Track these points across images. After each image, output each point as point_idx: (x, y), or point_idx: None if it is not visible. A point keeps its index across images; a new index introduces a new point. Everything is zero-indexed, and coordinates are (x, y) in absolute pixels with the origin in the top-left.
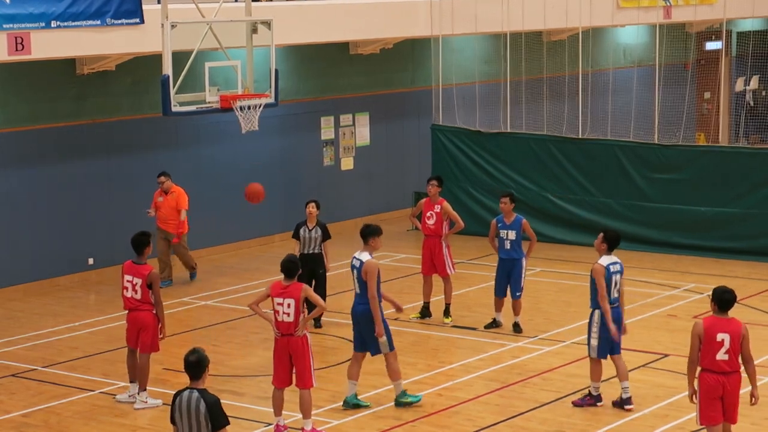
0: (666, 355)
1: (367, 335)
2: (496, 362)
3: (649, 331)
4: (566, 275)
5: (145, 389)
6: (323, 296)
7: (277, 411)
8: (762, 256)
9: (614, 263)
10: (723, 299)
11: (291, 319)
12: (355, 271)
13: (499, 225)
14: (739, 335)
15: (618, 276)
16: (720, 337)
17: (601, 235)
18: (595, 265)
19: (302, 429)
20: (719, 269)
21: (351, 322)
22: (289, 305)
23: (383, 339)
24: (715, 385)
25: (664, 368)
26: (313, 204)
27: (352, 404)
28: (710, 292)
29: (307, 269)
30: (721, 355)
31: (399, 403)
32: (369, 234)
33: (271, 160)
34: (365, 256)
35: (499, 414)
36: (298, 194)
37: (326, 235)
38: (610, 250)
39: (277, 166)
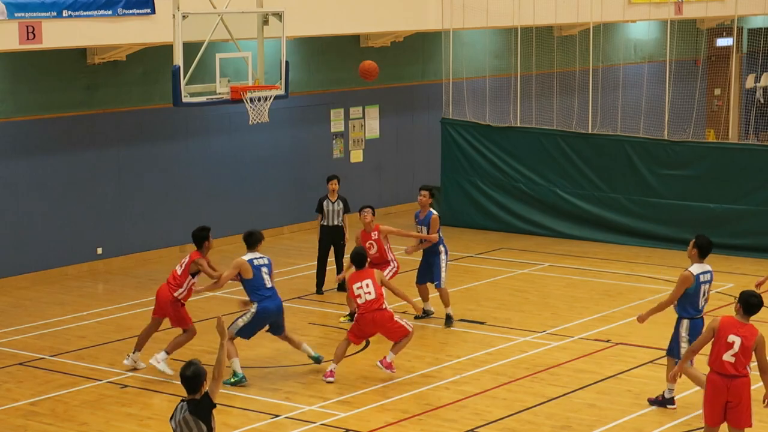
0: None
1: (283, 320)
2: (504, 357)
3: (657, 327)
4: (574, 270)
5: (167, 352)
6: (341, 265)
7: (338, 359)
8: None
9: (705, 272)
10: (749, 303)
11: (373, 296)
12: (267, 268)
13: (416, 220)
14: (751, 341)
15: (707, 286)
16: (731, 338)
17: (692, 241)
18: (684, 272)
19: (384, 358)
20: (727, 266)
21: (263, 320)
22: (368, 285)
23: None
24: (719, 387)
25: None
26: (335, 180)
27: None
28: (720, 289)
29: (329, 240)
30: (728, 357)
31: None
32: (256, 241)
33: (281, 152)
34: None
35: (507, 408)
36: (308, 186)
37: (347, 208)
38: (701, 257)
39: (287, 158)
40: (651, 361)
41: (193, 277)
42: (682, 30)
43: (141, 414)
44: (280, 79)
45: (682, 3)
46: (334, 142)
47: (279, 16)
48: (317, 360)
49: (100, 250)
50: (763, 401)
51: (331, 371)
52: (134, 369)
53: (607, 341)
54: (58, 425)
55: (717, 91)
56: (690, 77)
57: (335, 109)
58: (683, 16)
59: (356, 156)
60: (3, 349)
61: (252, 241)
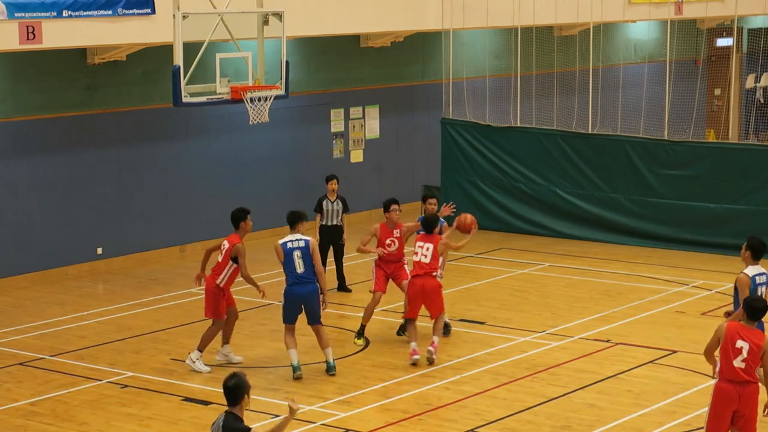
0: (674, 352)
1: (315, 308)
2: (504, 357)
3: (658, 327)
4: (574, 270)
5: (200, 351)
6: (341, 264)
7: (413, 338)
8: None
9: (760, 274)
10: (752, 308)
11: (428, 260)
12: (300, 251)
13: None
14: (759, 347)
15: (763, 288)
16: (739, 344)
17: (745, 243)
18: (739, 275)
19: (432, 343)
20: (727, 266)
21: (292, 302)
22: (428, 249)
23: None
24: (731, 396)
25: (672, 364)
26: (335, 180)
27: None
28: (720, 289)
29: (328, 240)
30: (738, 363)
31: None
32: (296, 220)
33: (281, 152)
34: (304, 236)
35: (507, 408)
36: (307, 186)
37: (346, 208)
38: (755, 259)
39: (287, 158)
40: (651, 361)
41: (235, 263)
42: (682, 30)
43: (141, 414)
44: (280, 79)
45: (682, 3)
46: (334, 142)
47: (279, 16)
48: (331, 368)
49: (100, 250)
50: (763, 411)
51: (414, 350)
52: (228, 363)
53: (607, 341)
54: (58, 425)
55: (717, 91)
56: (690, 77)
57: (335, 109)
58: (683, 16)
59: (356, 156)
60: (3, 349)
61: (290, 221)
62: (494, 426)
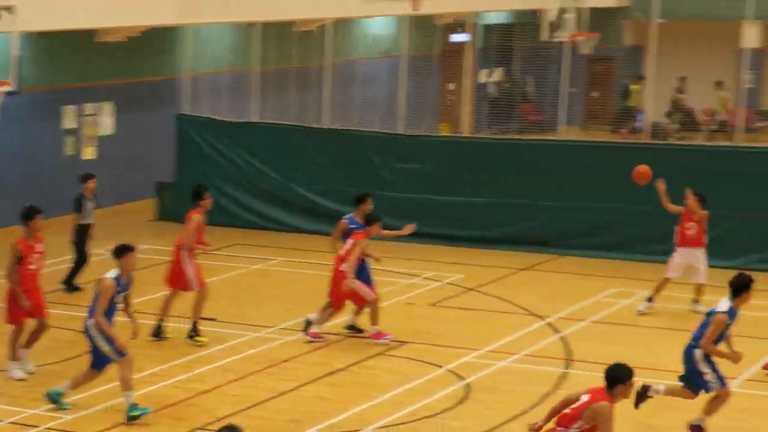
0: (404, 342)
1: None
2: (236, 352)
3: (390, 318)
4: (309, 264)
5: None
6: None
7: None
8: (499, 244)
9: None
10: None
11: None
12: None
13: (352, 226)
14: None
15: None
16: None
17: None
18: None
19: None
20: (458, 258)
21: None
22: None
23: (107, 348)
24: None
25: (402, 355)
26: (94, 179)
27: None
28: (448, 280)
29: (85, 237)
30: None
31: (130, 418)
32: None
33: (12, 150)
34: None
35: (237, 404)
36: (37, 183)
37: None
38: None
39: (17, 155)
40: (381, 353)
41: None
42: (418, 25)
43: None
44: (11, 74)
45: None
46: (66, 138)
47: (10, 9)
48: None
49: None
50: None
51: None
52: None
53: (337, 334)
54: None
55: (451, 86)
56: (426, 72)
57: (68, 106)
58: (420, 12)
59: (89, 153)
60: None
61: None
62: (224, 422)
